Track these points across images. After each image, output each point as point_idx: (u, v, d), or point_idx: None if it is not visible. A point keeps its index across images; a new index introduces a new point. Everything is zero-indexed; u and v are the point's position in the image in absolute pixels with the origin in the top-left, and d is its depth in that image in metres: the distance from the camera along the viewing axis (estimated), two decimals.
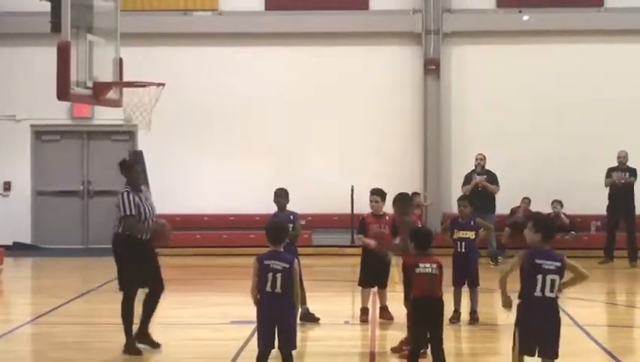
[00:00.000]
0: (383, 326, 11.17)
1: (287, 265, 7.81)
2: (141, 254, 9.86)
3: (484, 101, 19.60)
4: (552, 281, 7.46)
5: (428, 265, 8.14)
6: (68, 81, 11.06)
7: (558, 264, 7.52)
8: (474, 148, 18.40)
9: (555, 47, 19.61)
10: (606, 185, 17.59)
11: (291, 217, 11.42)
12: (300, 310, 9.85)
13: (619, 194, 17.49)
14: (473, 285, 11.47)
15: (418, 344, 8.18)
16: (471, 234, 11.50)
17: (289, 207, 11.57)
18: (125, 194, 9.88)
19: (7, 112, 19.95)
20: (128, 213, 9.80)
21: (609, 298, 13.47)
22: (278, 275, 7.76)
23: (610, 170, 17.67)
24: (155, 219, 10.05)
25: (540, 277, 7.47)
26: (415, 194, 19.06)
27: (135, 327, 9.94)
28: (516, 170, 18.80)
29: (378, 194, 11.51)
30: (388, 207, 11.18)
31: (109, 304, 13.07)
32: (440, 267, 8.24)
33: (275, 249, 7.93)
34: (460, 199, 12.02)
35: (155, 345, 9.97)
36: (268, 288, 7.76)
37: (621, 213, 17.53)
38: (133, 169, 10.15)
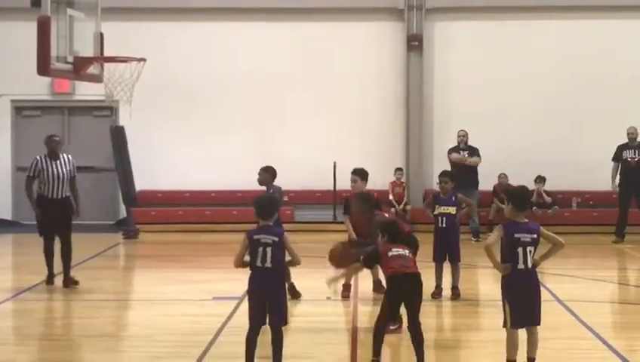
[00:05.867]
0: (365, 302, 11.19)
1: (277, 238, 7.78)
2: (51, 210, 12.24)
3: (467, 77, 19.58)
4: (530, 252, 7.62)
5: (400, 249, 8.13)
6: (48, 56, 11.01)
7: (534, 236, 7.65)
8: (456, 125, 18.39)
9: (539, 23, 19.58)
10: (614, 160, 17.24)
11: (271, 191, 11.38)
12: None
13: (630, 172, 17.01)
14: (455, 261, 11.49)
15: (386, 317, 8.12)
16: (452, 210, 11.50)
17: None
18: (35, 159, 12.42)
19: None
20: (30, 174, 12.42)
21: (591, 274, 13.54)
22: (268, 249, 7.72)
23: (621, 148, 17.26)
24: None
25: (520, 250, 7.59)
26: (398, 170, 19.19)
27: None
28: (499, 147, 18.79)
29: (357, 173, 11.43)
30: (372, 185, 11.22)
31: (91, 280, 13.09)
32: (411, 251, 8.26)
33: (264, 223, 7.90)
34: (441, 175, 11.97)
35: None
36: (258, 263, 7.73)
37: (633, 190, 17.07)
38: (50, 141, 12.48)
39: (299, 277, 11.44)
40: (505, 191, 8.21)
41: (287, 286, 11.22)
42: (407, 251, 8.15)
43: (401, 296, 8.00)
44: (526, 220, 7.76)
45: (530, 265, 7.60)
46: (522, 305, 7.61)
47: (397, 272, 7.98)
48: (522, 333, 7.75)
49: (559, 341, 9.23)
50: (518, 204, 7.76)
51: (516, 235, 7.60)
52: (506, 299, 7.66)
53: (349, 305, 11.19)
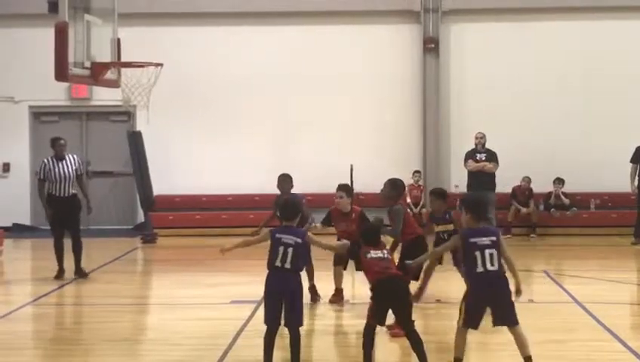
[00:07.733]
0: None
1: (300, 240, 7.80)
2: (59, 208, 13.25)
3: (483, 79, 19.54)
4: (491, 255, 7.61)
5: (378, 251, 8.12)
6: (66, 62, 11.06)
7: (493, 238, 7.67)
8: (473, 127, 18.38)
9: (554, 24, 19.53)
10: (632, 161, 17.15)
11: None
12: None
13: None
14: (458, 265, 11.34)
15: (374, 323, 8.06)
16: (450, 227, 11.28)
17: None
18: (43, 162, 13.36)
19: (5, 94, 19.90)
20: (40, 177, 13.37)
21: (609, 275, 13.48)
22: (290, 249, 7.74)
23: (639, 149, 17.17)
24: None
25: (478, 253, 7.60)
26: (416, 172, 19.16)
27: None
28: (515, 148, 18.76)
29: (342, 190, 11.15)
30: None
31: (109, 284, 13.15)
32: (389, 252, 8.27)
33: (288, 224, 7.92)
34: (430, 193, 11.78)
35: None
36: (277, 262, 7.75)
37: None
38: (56, 143, 13.41)
39: (318, 279, 11.43)
40: (461, 200, 8.18)
41: (308, 287, 11.26)
42: (385, 252, 8.16)
43: (388, 298, 7.97)
44: (481, 226, 7.80)
45: (490, 267, 7.58)
46: (478, 307, 7.68)
47: (381, 275, 7.98)
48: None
49: (577, 342, 9.20)
50: (476, 212, 7.82)
51: (472, 240, 7.64)
52: (464, 298, 7.76)
53: (366, 308, 11.15)
